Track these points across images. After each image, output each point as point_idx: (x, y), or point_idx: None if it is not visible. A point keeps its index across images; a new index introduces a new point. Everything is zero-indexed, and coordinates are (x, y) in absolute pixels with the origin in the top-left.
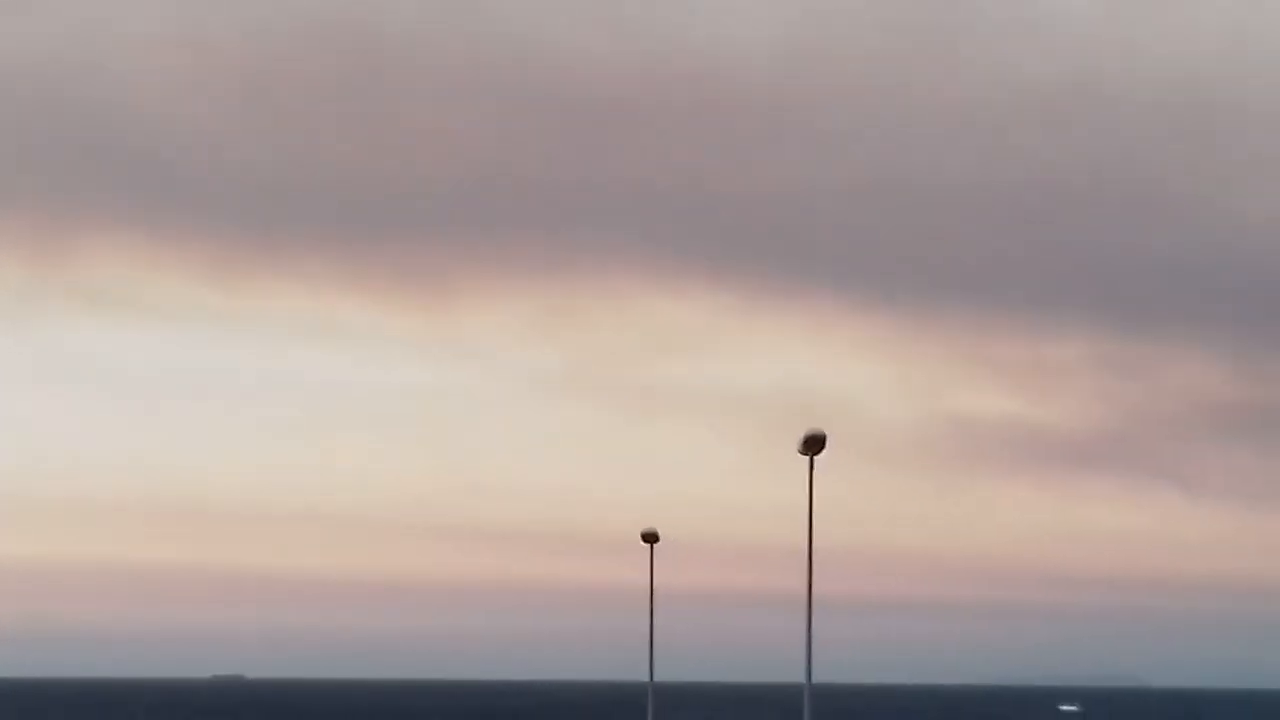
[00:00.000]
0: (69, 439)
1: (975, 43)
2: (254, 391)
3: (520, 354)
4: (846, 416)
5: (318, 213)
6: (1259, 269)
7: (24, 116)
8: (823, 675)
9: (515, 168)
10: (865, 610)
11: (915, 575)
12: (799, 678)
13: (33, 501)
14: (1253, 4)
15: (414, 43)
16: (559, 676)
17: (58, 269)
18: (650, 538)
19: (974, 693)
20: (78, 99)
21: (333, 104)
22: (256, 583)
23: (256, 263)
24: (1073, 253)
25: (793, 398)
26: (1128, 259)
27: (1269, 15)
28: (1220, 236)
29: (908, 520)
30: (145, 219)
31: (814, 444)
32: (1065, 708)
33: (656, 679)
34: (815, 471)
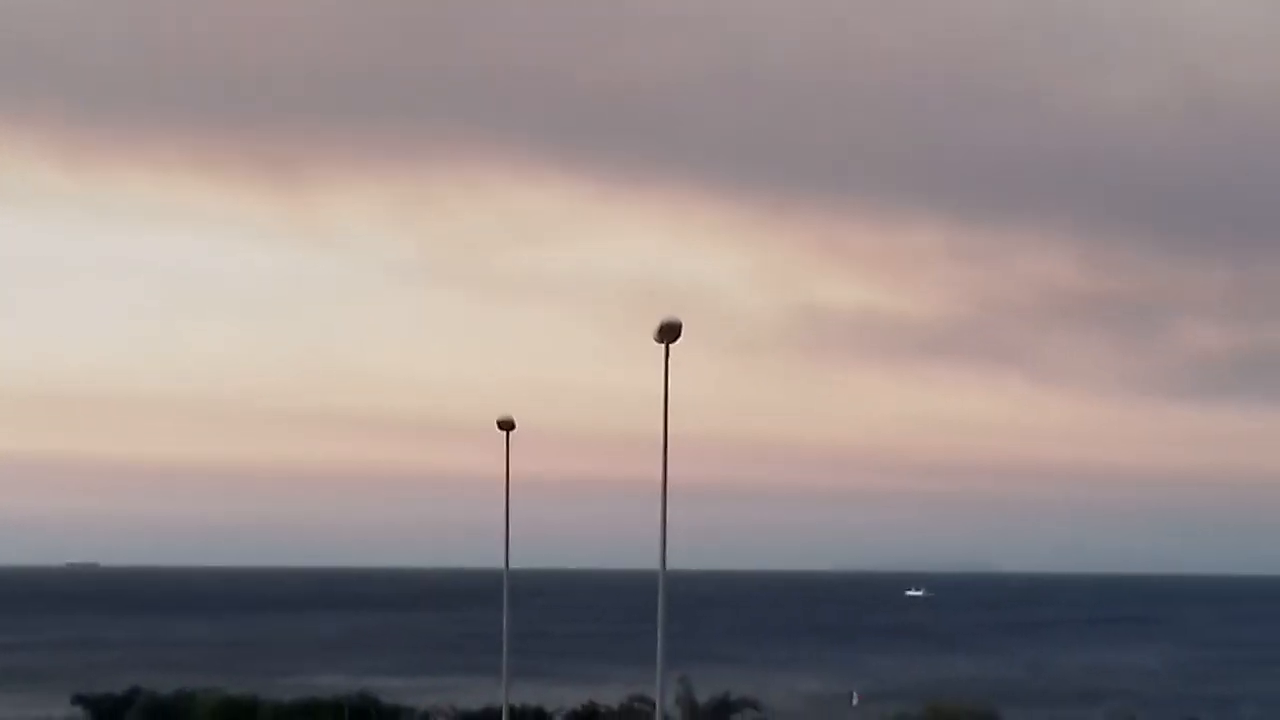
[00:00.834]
0: None
1: None
2: (108, 278)
3: (377, 242)
4: (703, 304)
5: (173, 99)
6: (1109, 161)
7: None
8: (678, 562)
9: (373, 56)
10: (721, 497)
11: (770, 462)
12: (654, 564)
13: None
14: None
15: None
16: (416, 564)
17: None
18: (506, 425)
19: (828, 578)
20: None
21: None
22: (112, 470)
23: (111, 149)
24: (927, 144)
25: (650, 286)
26: (980, 150)
27: None
28: (1071, 128)
29: (763, 407)
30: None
31: (669, 332)
32: (912, 592)
33: (512, 566)
34: (671, 359)
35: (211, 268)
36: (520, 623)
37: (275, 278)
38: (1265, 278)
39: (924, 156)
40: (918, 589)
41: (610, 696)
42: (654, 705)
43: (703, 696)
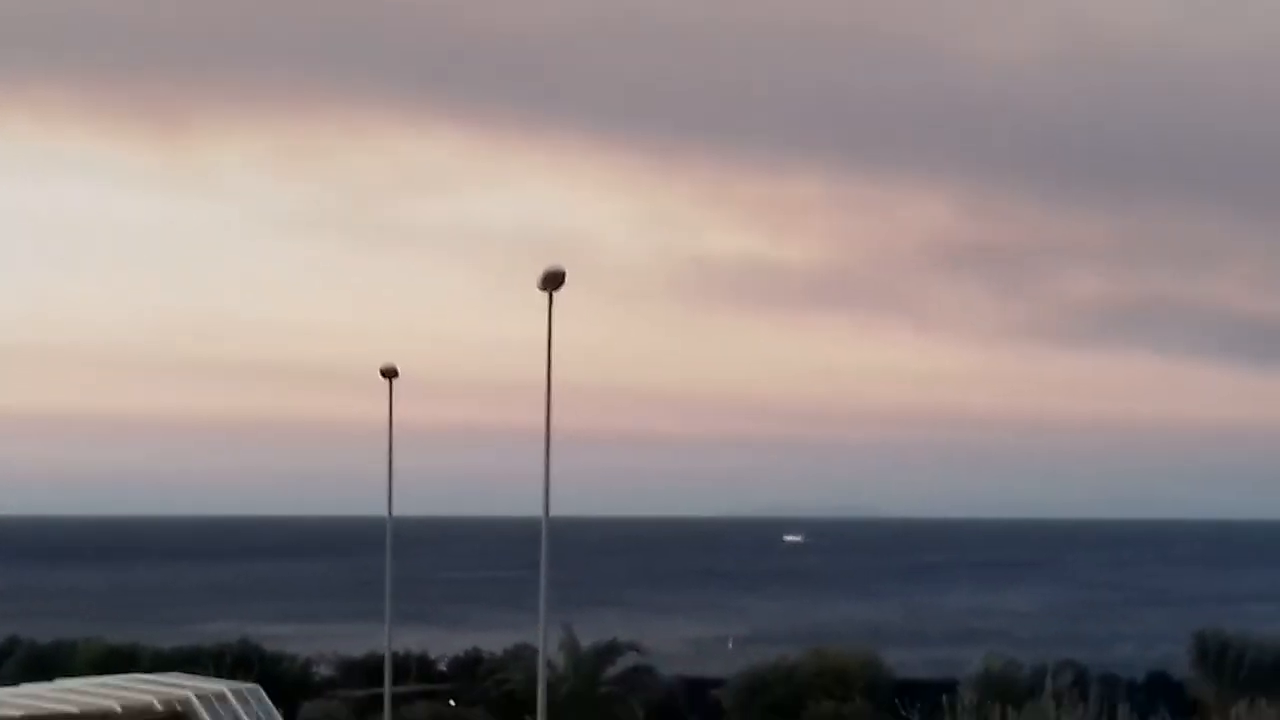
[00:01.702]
0: None
1: None
2: None
3: (261, 190)
4: (590, 253)
5: (51, 42)
6: (993, 110)
7: None
8: (563, 509)
9: (258, 3)
10: (606, 444)
11: (656, 411)
12: (540, 511)
13: None
14: None
15: None
16: (300, 512)
17: None
18: (389, 373)
19: (711, 524)
20: None
21: None
22: None
23: None
24: (812, 92)
25: (536, 234)
26: (865, 100)
27: None
28: (956, 78)
29: (648, 356)
30: None
31: (553, 280)
32: (790, 538)
33: (397, 514)
34: (556, 308)
35: (91, 215)
36: (406, 569)
37: (157, 225)
38: (1144, 227)
39: (810, 106)
40: (795, 535)
41: (496, 642)
42: (538, 650)
43: (587, 641)
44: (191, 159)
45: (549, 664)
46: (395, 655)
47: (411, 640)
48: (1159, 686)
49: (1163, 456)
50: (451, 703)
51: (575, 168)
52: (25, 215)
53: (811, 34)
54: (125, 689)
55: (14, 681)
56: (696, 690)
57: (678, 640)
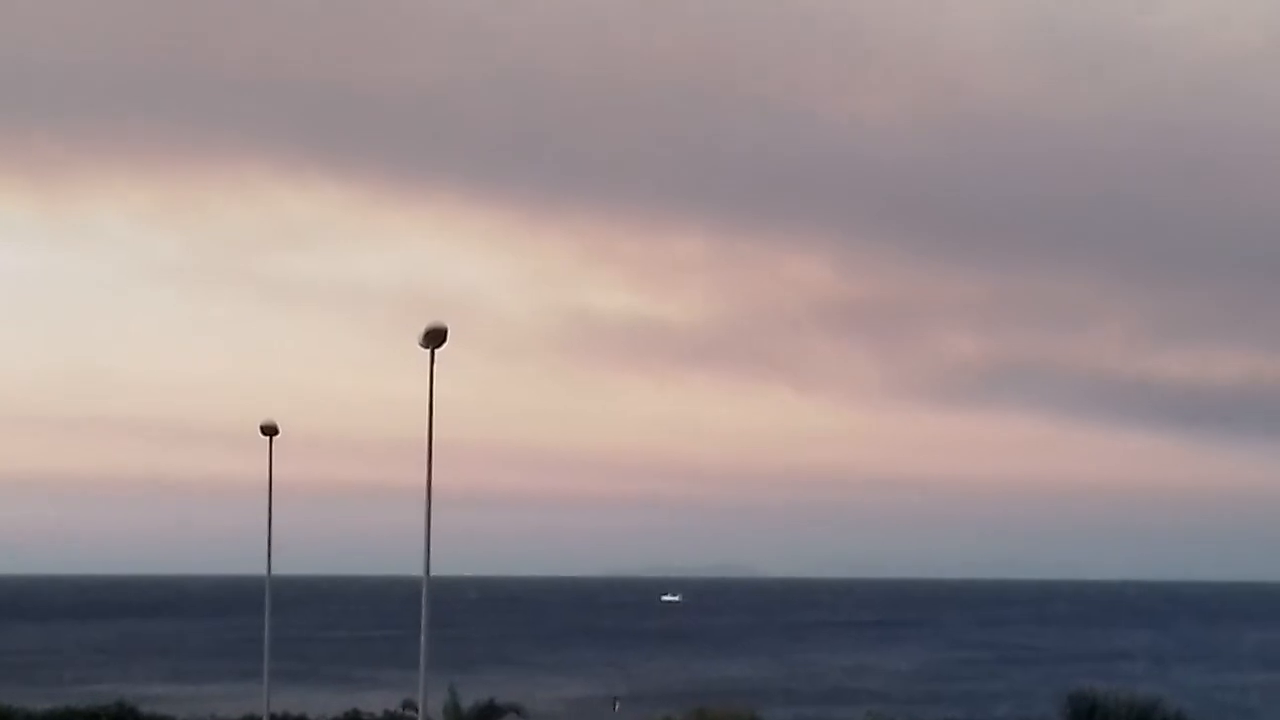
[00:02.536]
0: None
1: None
2: None
3: (139, 242)
4: (471, 310)
5: None
6: (871, 172)
7: None
8: (443, 568)
9: (136, 53)
10: (487, 503)
11: (536, 468)
12: (420, 570)
13: None
14: None
15: None
16: (176, 570)
17: None
18: (269, 430)
19: (590, 584)
20: None
21: None
22: None
23: None
24: (694, 151)
25: (417, 291)
26: (747, 158)
27: None
28: (835, 137)
29: (529, 413)
30: None
31: (435, 337)
32: (668, 598)
33: (278, 572)
34: (437, 365)
35: None
36: (285, 629)
37: (33, 276)
38: (1019, 289)
39: (691, 163)
40: (674, 595)
41: (375, 702)
42: (418, 711)
43: (468, 702)
44: (69, 209)
45: None
46: (274, 716)
47: (291, 700)
48: None
49: (1039, 516)
50: None
51: (455, 223)
52: None
53: (692, 93)
54: None
55: None
56: None
57: (559, 700)
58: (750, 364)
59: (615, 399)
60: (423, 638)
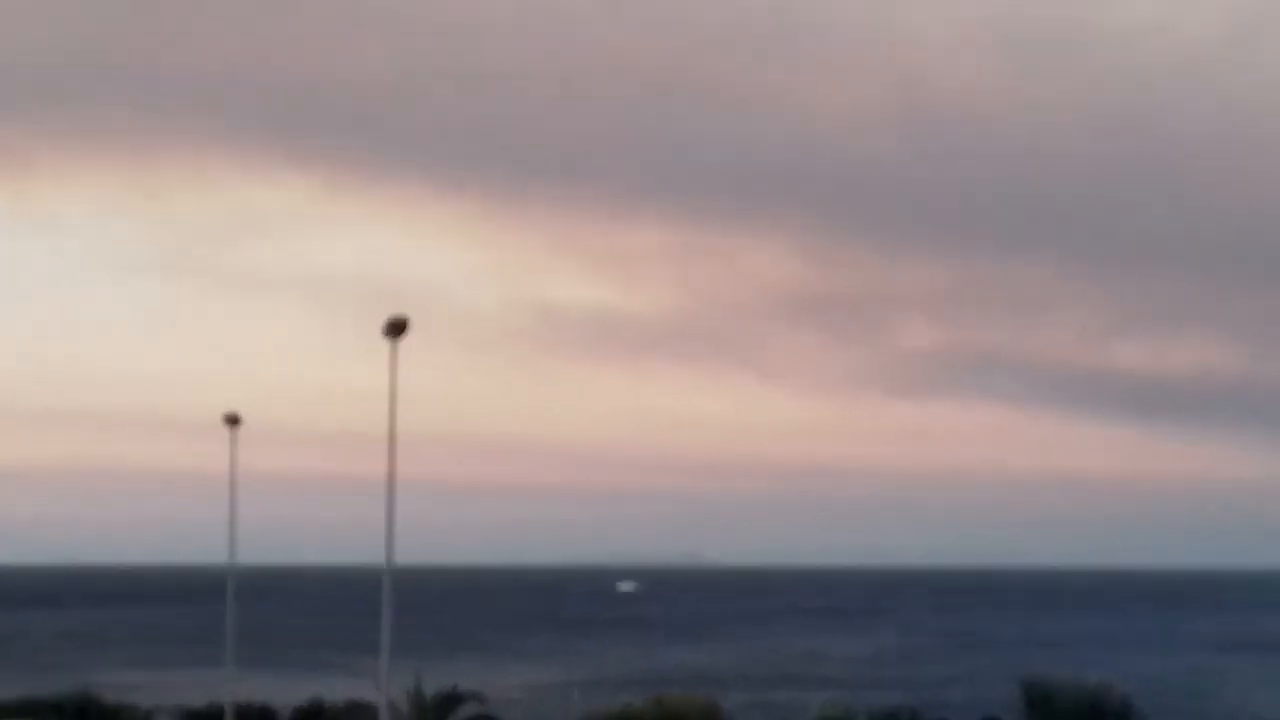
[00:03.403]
0: None
1: None
2: None
3: (99, 232)
4: (434, 301)
5: None
6: (832, 164)
7: None
8: (406, 557)
9: (97, 44)
10: (449, 493)
11: (499, 459)
12: (383, 559)
13: None
14: None
15: None
16: (142, 560)
17: None
18: (232, 420)
19: (550, 573)
20: None
21: None
22: None
23: None
24: (657, 143)
25: (378, 282)
26: (709, 151)
27: None
28: (795, 128)
29: (492, 405)
30: None
31: (397, 328)
32: (623, 586)
33: (242, 562)
34: (400, 356)
35: None
36: (249, 618)
37: None
38: (978, 279)
39: (654, 155)
40: (629, 583)
41: (339, 690)
42: (380, 700)
43: (431, 689)
44: (30, 199)
45: (392, 705)
46: (238, 705)
47: (255, 689)
48: None
49: (996, 504)
50: None
51: (418, 215)
52: None
53: (654, 86)
54: None
55: None
56: None
57: (520, 687)
58: (713, 355)
59: (578, 390)
60: (384, 626)
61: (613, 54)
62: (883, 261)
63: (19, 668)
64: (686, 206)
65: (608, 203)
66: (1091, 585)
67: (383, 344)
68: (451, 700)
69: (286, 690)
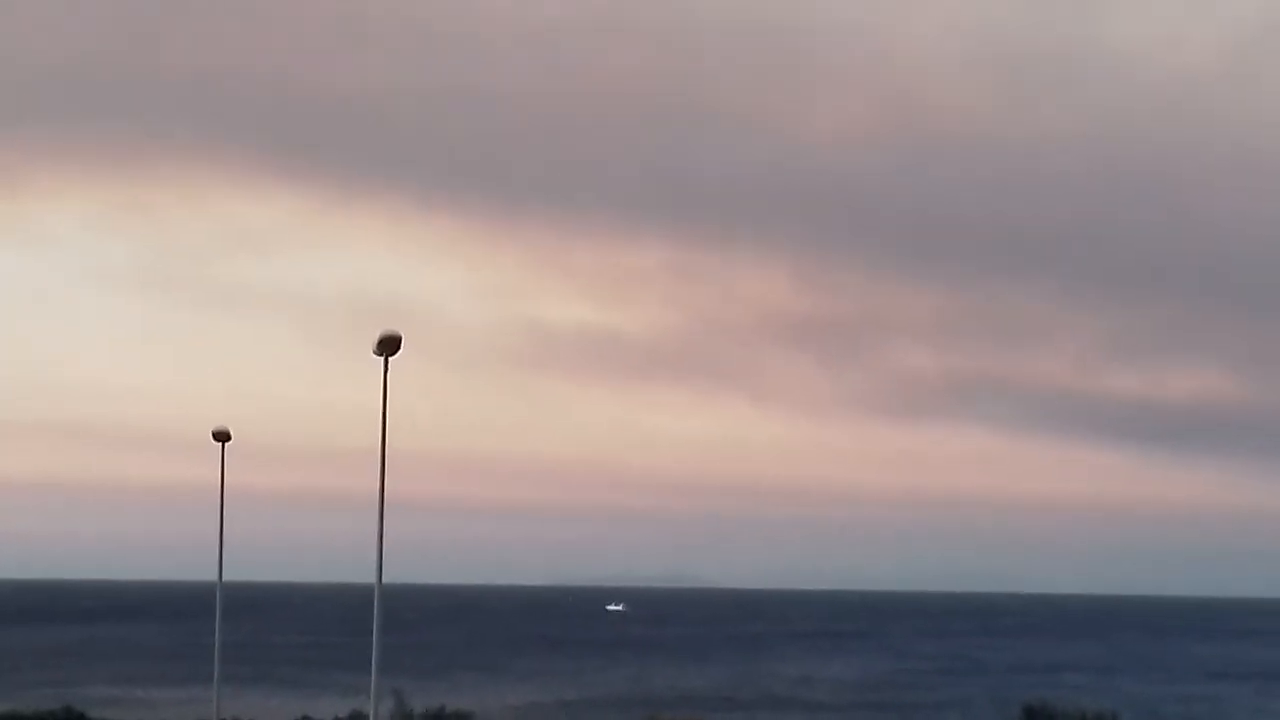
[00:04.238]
0: None
1: None
2: None
3: (89, 247)
4: (425, 320)
5: None
6: (828, 186)
7: None
8: (396, 576)
9: (84, 58)
10: (439, 511)
11: (488, 479)
12: (373, 578)
13: None
14: None
15: None
16: (127, 576)
17: None
18: (222, 436)
19: (539, 593)
20: None
21: None
22: None
23: None
24: (650, 164)
25: (370, 299)
26: (702, 172)
27: None
28: (789, 153)
29: (483, 423)
30: None
31: (388, 345)
32: (612, 607)
33: (229, 579)
34: (391, 373)
35: None
36: (236, 634)
37: None
38: (973, 304)
39: (647, 176)
40: (618, 604)
41: (326, 709)
42: (369, 718)
43: (418, 708)
44: (18, 214)
45: None
46: None
47: (242, 707)
48: None
49: (990, 530)
50: None
51: (409, 233)
52: None
53: (648, 107)
54: None
55: None
56: None
57: (509, 708)
58: (704, 376)
59: (569, 410)
60: (374, 644)
61: (608, 75)
62: (877, 285)
63: (3, 683)
64: (679, 227)
65: (600, 223)
66: (1085, 611)
67: (373, 361)
68: (439, 719)
69: (273, 708)
